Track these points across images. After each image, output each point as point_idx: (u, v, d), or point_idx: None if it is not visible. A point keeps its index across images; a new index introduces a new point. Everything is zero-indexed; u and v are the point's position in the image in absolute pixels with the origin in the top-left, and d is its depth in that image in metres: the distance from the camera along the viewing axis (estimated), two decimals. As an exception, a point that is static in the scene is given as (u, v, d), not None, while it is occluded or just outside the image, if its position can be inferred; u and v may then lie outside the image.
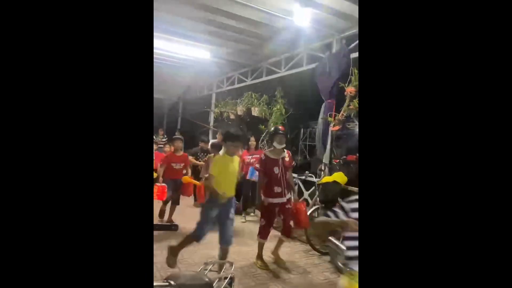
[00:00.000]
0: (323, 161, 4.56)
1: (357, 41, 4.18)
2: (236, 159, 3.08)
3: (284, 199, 3.29)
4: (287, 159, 3.40)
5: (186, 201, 5.40)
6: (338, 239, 3.26)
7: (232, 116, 7.10)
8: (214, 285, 1.33)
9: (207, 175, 4.51)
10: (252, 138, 5.25)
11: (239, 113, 6.81)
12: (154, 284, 0.92)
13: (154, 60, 6.57)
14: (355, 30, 4.17)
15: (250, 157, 5.09)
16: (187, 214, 4.59)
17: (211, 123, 8.16)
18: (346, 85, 4.11)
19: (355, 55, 4.18)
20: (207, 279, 1.22)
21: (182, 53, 5.96)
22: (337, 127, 4.33)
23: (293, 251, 3.81)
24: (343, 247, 3.10)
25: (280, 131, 3.41)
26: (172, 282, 0.92)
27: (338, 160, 4.67)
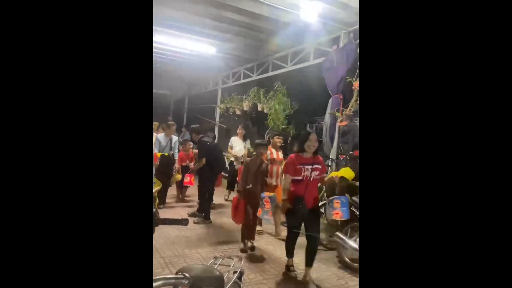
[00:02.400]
0: (330, 157, 4.54)
1: (365, 35, 4.13)
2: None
3: None
4: None
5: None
6: (345, 234, 3.25)
7: (238, 112, 7.09)
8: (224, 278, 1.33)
9: (249, 187, 3.56)
10: (313, 137, 2.88)
11: (245, 108, 6.80)
12: (169, 276, 0.93)
13: (159, 55, 6.59)
14: (363, 23, 4.12)
15: (310, 167, 2.84)
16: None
17: (217, 119, 8.16)
18: (354, 79, 4.07)
19: (363, 49, 4.13)
20: (217, 272, 1.22)
21: (187, 48, 5.95)
22: (344, 122, 4.30)
23: (300, 246, 3.81)
24: (350, 242, 3.11)
25: None
26: (187, 275, 0.92)
27: (344, 156, 4.65)
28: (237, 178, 5.48)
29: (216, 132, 7.67)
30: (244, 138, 5.84)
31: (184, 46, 5.80)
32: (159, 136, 5.29)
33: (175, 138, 5.39)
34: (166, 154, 5.21)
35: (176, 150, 5.41)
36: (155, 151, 5.15)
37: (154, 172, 5.03)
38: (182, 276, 0.92)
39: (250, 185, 3.57)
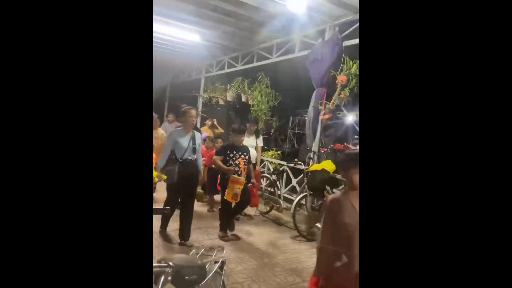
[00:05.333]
0: (312, 149, 4.59)
1: (350, 29, 4.16)
2: None
3: None
4: None
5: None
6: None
7: (221, 102, 7.02)
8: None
9: (343, 263, 1.42)
10: None
11: (229, 98, 6.73)
12: (153, 264, 0.91)
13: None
14: (349, 17, 4.14)
15: None
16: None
17: (200, 109, 8.04)
18: (338, 73, 4.11)
19: (348, 43, 4.16)
20: (199, 262, 1.21)
21: (170, 35, 5.78)
22: (327, 116, 4.34)
23: (280, 237, 3.86)
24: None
25: None
26: (171, 263, 0.91)
27: (325, 149, 4.72)
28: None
29: (198, 124, 7.56)
30: (257, 134, 4.61)
31: (166, 33, 5.62)
32: (175, 133, 3.32)
33: (199, 135, 3.46)
34: (190, 159, 3.30)
35: (200, 154, 3.48)
36: (166, 155, 3.29)
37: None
38: (166, 264, 0.91)
39: (346, 260, 1.47)
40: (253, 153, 4.36)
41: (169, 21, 5.06)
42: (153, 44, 6.51)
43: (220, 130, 6.14)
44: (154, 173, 3.12)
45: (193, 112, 3.39)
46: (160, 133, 4.87)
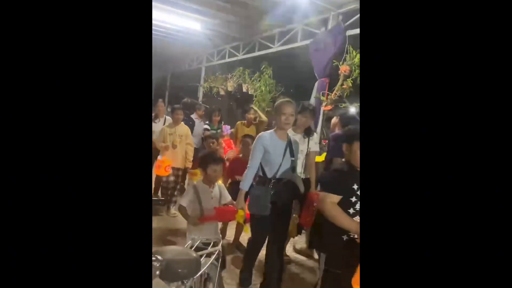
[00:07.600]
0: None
1: (354, 18, 4.05)
2: None
3: None
4: None
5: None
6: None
7: (222, 92, 6.94)
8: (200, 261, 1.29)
9: None
10: None
11: (230, 89, 6.65)
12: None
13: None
14: (352, 6, 4.03)
15: None
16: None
17: (200, 99, 7.97)
18: (341, 63, 4.02)
19: (351, 32, 4.06)
20: (194, 255, 1.18)
21: (170, 23, 5.67)
22: (329, 107, 4.27)
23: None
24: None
25: None
26: (159, 257, 0.88)
27: (326, 141, 4.66)
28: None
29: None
30: (308, 132, 2.79)
31: (166, 21, 5.51)
32: (264, 138, 2.08)
33: (297, 143, 2.31)
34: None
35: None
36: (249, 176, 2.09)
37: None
38: (154, 258, 0.88)
39: None
40: (300, 162, 2.60)
41: (169, 9, 4.96)
42: (153, 32, 6.42)
43: (263, 117, 4.25)
44: (240, 214, 1.93)
45: (291, 107, 2.09)
46: (184, 129, 3.84)
